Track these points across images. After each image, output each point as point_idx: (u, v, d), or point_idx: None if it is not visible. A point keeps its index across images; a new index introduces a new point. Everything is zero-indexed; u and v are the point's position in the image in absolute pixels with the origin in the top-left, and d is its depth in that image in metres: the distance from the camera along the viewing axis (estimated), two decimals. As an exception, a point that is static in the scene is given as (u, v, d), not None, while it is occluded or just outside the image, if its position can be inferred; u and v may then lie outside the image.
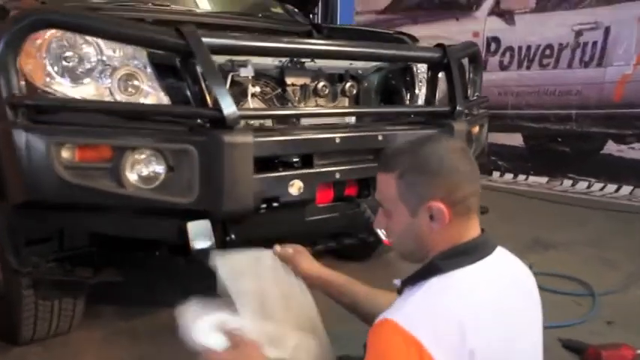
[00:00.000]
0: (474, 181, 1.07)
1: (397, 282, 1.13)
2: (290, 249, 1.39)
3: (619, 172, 5.19)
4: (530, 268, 1.20)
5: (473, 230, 1.08)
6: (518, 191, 5.37)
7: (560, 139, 5.54)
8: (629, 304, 2.77)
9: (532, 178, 5.70)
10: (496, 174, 5.90)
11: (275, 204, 1.75)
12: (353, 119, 2.33)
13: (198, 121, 1.72)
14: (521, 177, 5.78)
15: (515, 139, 5.74)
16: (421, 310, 0.98)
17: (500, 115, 5.66)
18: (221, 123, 1.62)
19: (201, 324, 1.11)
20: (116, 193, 1.56)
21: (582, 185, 5.39)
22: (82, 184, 1.53)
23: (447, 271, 1.02)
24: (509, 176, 5.85)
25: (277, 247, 1.39)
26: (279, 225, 1.85)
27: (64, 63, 1.65)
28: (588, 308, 2.66)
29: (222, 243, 1.70)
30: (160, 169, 1.61)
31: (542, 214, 4.48)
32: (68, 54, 1.65)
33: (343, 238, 2.27)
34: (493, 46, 5.85)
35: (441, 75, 2.29)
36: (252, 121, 1.97)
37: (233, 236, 1.71)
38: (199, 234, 1.63)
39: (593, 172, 5.35)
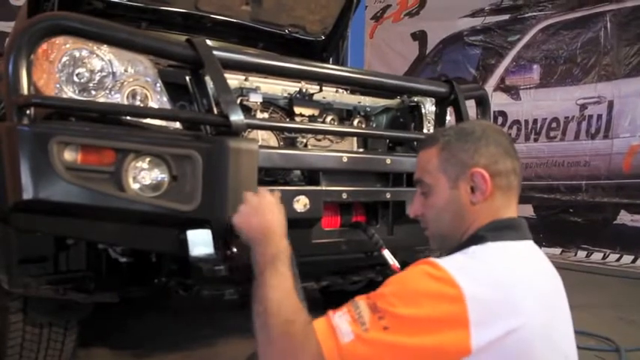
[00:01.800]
0: (516, 159, 1.06)
1: None
2: None
3: (634, 242, 5.08)
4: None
5: (512, 212, 1.05)
6: (532, 262, 5.22)
7: (571, 210, 5.47)
8: (657, 360, 2.60)
9: (545, 250, 5.49)
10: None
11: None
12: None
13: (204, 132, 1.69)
14: (534, 249, 5.64)
15: (526, 210, 5.66)
16: (465, 262, 0.92)
17: None
18: (227, 130, 1.59)
19: None
20: (116, 197, 1.51)
21: (597, 256, 5.25)
22: (82, 186, 1.48)
23: (492, 240, 0.97)
24: (521, 248, 5.70)
25: None
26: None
27: (76, 78, 1.66)
28: (614, 362, 2.48)
29: (224, 256, 1.61)
30: (162, 175, 1.56)
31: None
32: (80, 70, 1.66)
33: (350, 276, 2.16)
34: (500, 120, 5.93)
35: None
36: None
37: (235, 250, 1.62)
38: (199, 242, 1.55)
39: (607, 242, 5.24)
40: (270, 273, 1.03)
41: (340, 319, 0.88)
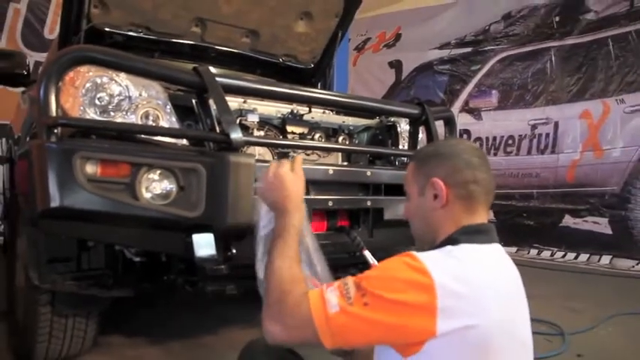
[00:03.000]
0: (481, 171, 1.02)
1: None
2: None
3: (576, 242, 5.12)
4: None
5: (479, 218, 1.02)
6: (491, 259, 5.23)
7: (525, 214, 5.49)
8: (596, 341, 2.61)
9: (503, 248, 5.56)
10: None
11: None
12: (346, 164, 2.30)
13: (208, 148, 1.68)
14: (493, 247, 5.65)
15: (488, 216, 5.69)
16: (439, 258, 0.93)
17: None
18: (228, 146, 1.58)
19: None
20: (131, 205, 1.48)
21: (546, 254, 5.28)
22: (101, 195, 1.46)
23: (465, 242, 0.97)
24: (482, 247, 5.72)
25: None
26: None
27: (97, 102, 1.64)
28: (559, 345, 2.48)
29: (225, 256, 1.60)
30: (170, 185, 1.54)
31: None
32: (101, 94, 1.64)
33: (335, 273, 2.14)
34: (465, 137, 5.95)
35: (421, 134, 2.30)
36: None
37: (234, 251, 1.60)
38: (203, 244, 1.53)
39: (554, 242, 5.27)
40: (278, 241, 1.06)
41: (331, 293, 0.91)
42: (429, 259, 0.91)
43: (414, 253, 0.92)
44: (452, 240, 0.98)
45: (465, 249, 0.95)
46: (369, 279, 0.91)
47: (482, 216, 1.03)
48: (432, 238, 1.03)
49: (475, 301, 0.87)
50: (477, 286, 0.89)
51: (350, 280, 0.92)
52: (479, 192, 1.02)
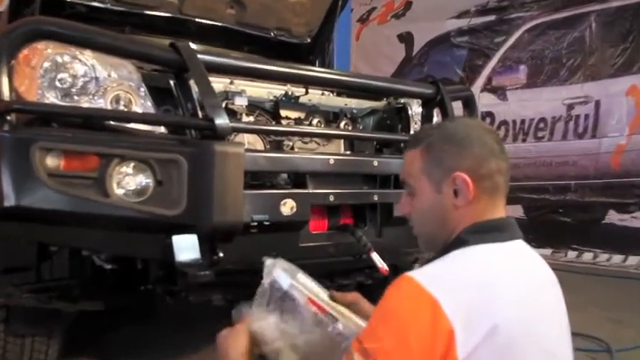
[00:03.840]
0: (502, 159, 1.05)
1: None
2: (348, 296, 1.27)
3: (623, 242, 5.12)
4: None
5: (499, 212, 1.04)
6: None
7: (560, 210, 5.51)
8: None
9: (535, 251, 5.58)
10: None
11: (266, 222, 1.69)
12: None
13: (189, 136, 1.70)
14: (524, 249, 5.67)
15: (516, 211, 5.69)
16: (441, 272, 0.95)
17: None
18: (212, 133, 1.60)
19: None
20: (100, 203, 1.50)
21: (588, 256, 5.29)
22: (65, 192, 1.48)
23: (473, 244, 0.98)
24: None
25: (335, 293, 1.24)
26: (271, 248, 1.76)
27: (58, 84, 1.65)
28: (605, 363, 2.51)
29: (211, 261, 1.62)
30: (146, 180, 1.56)
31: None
32: (62, 75, 1.66)
33: (339, 279, 2.17)
34: (488, 121, 5.97)
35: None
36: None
37: (221, 254, 1.63)
38: (185, 247, 1.56)
39: (597, 242, 5.28)
40: None
41: None
42: (431, 278, 0.91)
43: (412, 276, 0.92)
44: (459, 242, 0.99)
45: (472, 252, 0.97)
46: (372, 333, 0.91)
47: (502, 209, 1.05)
48: (445, 238, 1.04)
49: (487, 303, 0.89)
50: (488, 286, 0.91)
51: (355, 352, 0.90)
52: (502, 183, 1.04)
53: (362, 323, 1.13)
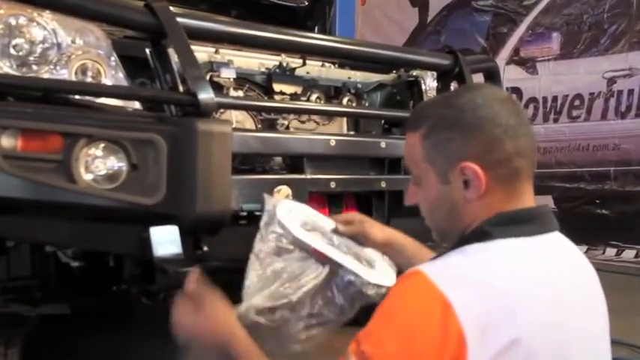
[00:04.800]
0: (521, 137, 1.00)
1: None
2: (350, 221, 1.44)
3: (673, 238, 5.14)
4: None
5: (525, 201, 1.02)
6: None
7: (598, 201, 5.52)
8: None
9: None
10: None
11: (258, 212, 1.70)
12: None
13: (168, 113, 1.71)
14: (556, 246, 5.71)
15: (545, 202, 5.73)
16: (458, 267, 0.94)
17: None
18: (195, 110, 1.61)
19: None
20: (66, 189, 1.51)
21: (629, 254, 5.30)
22: (24, 177, 1.49)
23: (495, 237, 0.96)
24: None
25: (339, 227, 1.42)
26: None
27: (13, 51, 1.65)
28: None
29: (194, 256, 1.64)
30: (119, 163, 1.57)
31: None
32: (17, 41, 1.66)
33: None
34: (514, 97, 5.98)
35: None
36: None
37: (206, 248, 1.65)
38: (164, 241, 1.58)
39: (640, 238, 5.29)
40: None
41: None
42: (445, 274, 0.91)
43: (423, 271, 0.92)
44: (481, 234, 0.98)
45: (496, 247, 0.95)
46: (372, 335, 0.91)
47: (529, 197, 1.02)
48: (459, 232, 1.04)
49: (509, 310, 0.89)
50: (512, 292, 0.91)
51: (351, 356, 0.90)
52: (525, 166, 1.01)
53: (361, 270, 1.25)
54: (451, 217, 1.04)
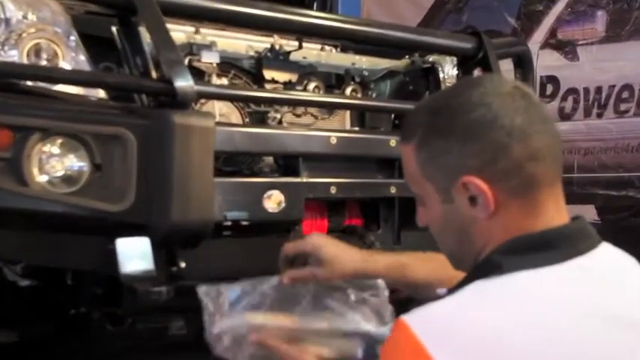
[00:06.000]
0: (536, 137, 0.97)
1: (442, 291, 1.06)
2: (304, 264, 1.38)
3: None
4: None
5: (552, 217, 0.98)
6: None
7: (650, 212, 5.54)
8: None
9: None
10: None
11: (245, 222, 1.72)
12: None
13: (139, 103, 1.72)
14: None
15: (587, 213, 5.73)
16: (447, 319, 0.89)
17: (564, 180, 5.48)
18: (171, 100, 1.62)
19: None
20: (15, 193, 1.52)
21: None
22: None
23: (506, 270, 0.92)
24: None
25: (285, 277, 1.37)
26: (250, 257, 1.80)
27: (-50, 28, 1.67)
28: None
29: (168, 274, 1.65)
30: (80, 162, 1.58)
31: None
32: (-44, 14, 1.68)
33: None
34: (549, 89, 5.98)
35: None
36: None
37: (183, 264, 1.66)
38: (133, 255, 1.58)
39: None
40: None
41: None
42: (432, 333, 0.87)
43: (408, 323, 0.89)
44: (491, 266, 0.94)
45: (510, 284, 0.91)
46: None
47: (556, 207, 0.99)
48: (472, 258, 1.02)
49: None
50: (523, 343, 0.85)
51: None
52: (543, 171, 0.97)
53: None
54: (461, 241, 1.04)
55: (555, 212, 0.98)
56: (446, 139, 0.99)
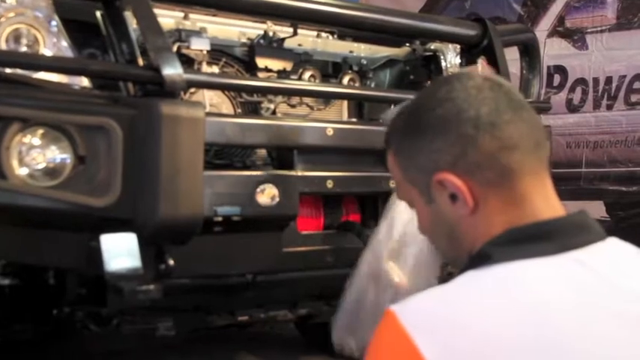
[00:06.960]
0: (507, 126, 0.99)
1: None
2: None
3: None
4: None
5: (539, 208, 0.99)
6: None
7: (662, 209, 5.56)
8: None
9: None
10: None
11: (236, 217, 1.72)
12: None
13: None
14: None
15: (595, 209, 5.74)
16: (433, 307, 0.91)
17: (572, 175, 5.69)
18: (159, 89, 1.62)
19: None
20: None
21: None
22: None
23: (498, 261, 0.93)
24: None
25: None
26: (243, 254, 1.80)
27: None
28: None
29: (156, 272, 1.65)
30: (62, 154, 1.58)
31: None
32: None
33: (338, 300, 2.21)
34: (557, 79, 5.99)
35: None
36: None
37: (171, 262, 1.65)
38: (119, 252, 1.58)
39: None
40: None
41: None
42: (419, 323, 0.89)
43: (396, 312, 0.91)
44: (481, 257, 0.97)
45: (495, 274, 0.93)
46: None
47: (542, 197, 1.00)
48: (467, 254, 1.04)
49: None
50: (492, 336, 0.86)
51: None
52: (519, 159, 0.99)
53: None
54: (452, 240, 1.07)
55: (543, 203, 1.00)
56: (417, 139, 1.03)
